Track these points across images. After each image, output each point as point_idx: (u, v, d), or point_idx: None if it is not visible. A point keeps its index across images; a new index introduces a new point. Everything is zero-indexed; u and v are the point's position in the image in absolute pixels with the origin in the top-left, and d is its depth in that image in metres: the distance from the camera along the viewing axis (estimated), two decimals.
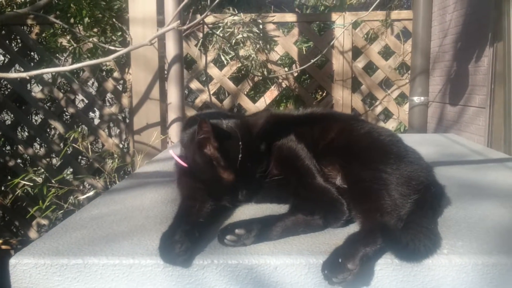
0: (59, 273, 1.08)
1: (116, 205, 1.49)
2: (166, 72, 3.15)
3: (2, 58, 4.80)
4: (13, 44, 4.70)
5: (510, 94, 2.78)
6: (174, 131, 3.01)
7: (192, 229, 1.12)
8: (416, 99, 4.30)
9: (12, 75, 2.62)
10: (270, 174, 1.38)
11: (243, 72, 4.72)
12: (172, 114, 3.02)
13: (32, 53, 4.79)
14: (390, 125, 4.67)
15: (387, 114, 4.86)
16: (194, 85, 4.59)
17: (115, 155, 3.71)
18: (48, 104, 4.79)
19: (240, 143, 1.27)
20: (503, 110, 2.90)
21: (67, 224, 1.31)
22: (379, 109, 4.68)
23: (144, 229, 1.26)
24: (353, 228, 1.22)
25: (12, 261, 1.09)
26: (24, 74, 2.33)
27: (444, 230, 1.20)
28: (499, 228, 1.23)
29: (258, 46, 4.46)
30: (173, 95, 3.00)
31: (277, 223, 1.19)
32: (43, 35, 4.28)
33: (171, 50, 2.99)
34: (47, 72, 2.69)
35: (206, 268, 1.07)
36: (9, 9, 4.15)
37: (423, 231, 1.09)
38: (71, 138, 3.21)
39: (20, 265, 1.08)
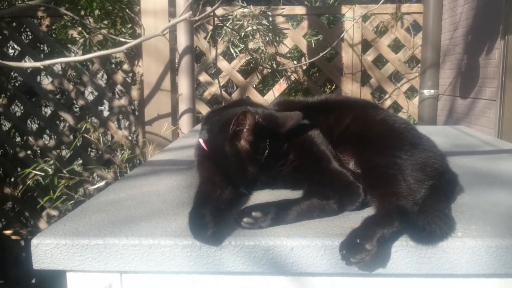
0: (80, 253, 1.10)
1: (133, 190, 1.51)
2: (176, 64, 3.17)
3: (12, 50, 4.84)
4: (23, 37, 4.73)
5: None
6: (185, 122, 3.03)
7: (215, 213, 1.14)
8: (426, 92, 4.29)
9: (26, 64, 2.65)
10: (287, 162, 1.39)
11: (252, 65, 4.73)
12: (183, 105, 3.05)
13: (42, 46, 4.82)
14: None
15: (396, 108, 4.85)
16: (203, 77, 4.61)
17: (125, 146, 3.74)
18: (58, 96, 4.82)
19: (268, 141, 1.29)
20: None
21: (85, 207, 1.34)
22: (388, 102, 4.67)
23: (161, 213, 1.28)
24: (368, 212, 1.23)
25: (34, 241, 1.11)
26: (38, 64, 2.36)
27: (458, 215, 1.21)
28: None
29: (267, 39, 4.47)
30: (184, 86, 3.03)
31: (293, 207, 1.21)
32: (54, 27, 4.31)
33: (182, 41, 3.01)
34: (60, 61, 2.73)
35: (223, 249, 1.09)
36: (20, 1, 4.18)
37: (438, 215, 1.10)
38: (83, 129, 3.24)
39: (42, 245, 1.11)
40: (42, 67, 2.36)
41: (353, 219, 1.20)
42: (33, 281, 4.22)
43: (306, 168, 1.37)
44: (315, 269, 1.09)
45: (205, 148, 1.42)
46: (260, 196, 1.41)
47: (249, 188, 1.41)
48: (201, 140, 1.45)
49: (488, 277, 1.10)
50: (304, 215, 1.21)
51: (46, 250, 1.11)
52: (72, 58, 2.70)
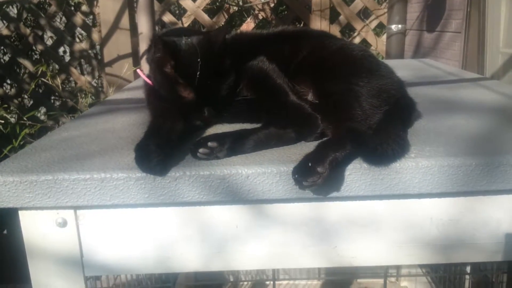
0: (29, 190, 1.07)
1: (87, 128, 1.47)
2: (135, 1, 3.02)
3: None
4: None
5: (484, 17, 2.76)
6: None
7: (164, 143, 1.11)
8: (394, 27, 4.24)
9: None
10: (241, 95, 1.35)
11: (218, 3, 4.57)
12: (143, 45, 2.93)
13: None
14: None
15: (365, 45, 4.82)
16: (167, 18, 4.43)
17: (87, 91, 3.63)
18: (16, 43, 4.60)
19: (199, 59, 1.22)
20: (477, 33, 2.89)
21: (36, 145, 1.29)
22: (357, 40, 4.63)
23: (115, 148, 1.25)
24: None
25: None
26: None
27: (413, 138, 1.22)
28: (467, 135, 1.26)
29: None
30: (144, 24, 2.89)
31: (250, 136, 1.19)
32: None
33: None
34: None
35: (178, 179, 1.07)
36: None
37: (391, 137, 1.10)
38: (39, 72, 3.11)
39: None
40: None
41: (310, 146, 1.19)
42: (5, 232, 4.19)
43: (263, 103, 1.34)
44: (271, 196, 1.09)
45: (149, 82, 1.37)
46: (219, 130, 1.38)
47: (200, 119, 1.34)
48: (139, 71, 1.40)
49: (441, 196, 1.13)
50: (261, 144, 1.19)
51: None
52: None
